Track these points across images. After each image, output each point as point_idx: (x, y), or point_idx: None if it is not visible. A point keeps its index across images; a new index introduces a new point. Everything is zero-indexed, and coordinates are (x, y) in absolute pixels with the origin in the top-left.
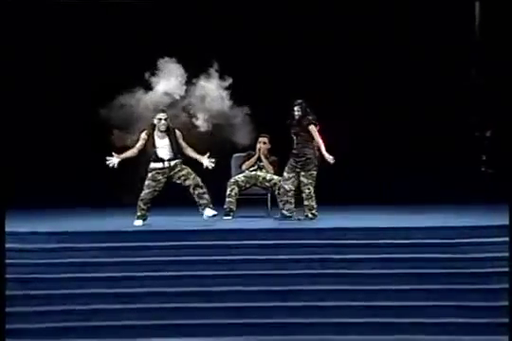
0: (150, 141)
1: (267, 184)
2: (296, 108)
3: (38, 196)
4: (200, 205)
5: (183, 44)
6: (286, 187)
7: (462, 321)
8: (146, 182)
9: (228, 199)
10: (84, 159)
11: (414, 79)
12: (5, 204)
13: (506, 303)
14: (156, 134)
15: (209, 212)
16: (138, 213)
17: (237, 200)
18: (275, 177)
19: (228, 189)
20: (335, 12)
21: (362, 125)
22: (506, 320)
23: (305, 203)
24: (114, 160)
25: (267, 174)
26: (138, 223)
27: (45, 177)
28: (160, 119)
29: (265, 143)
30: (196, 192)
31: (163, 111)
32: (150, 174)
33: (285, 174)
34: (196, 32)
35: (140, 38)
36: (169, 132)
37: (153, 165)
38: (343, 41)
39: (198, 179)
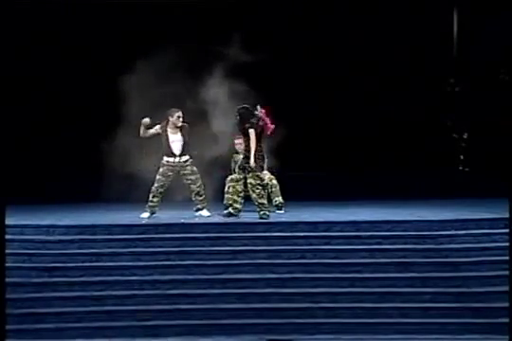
0: (163, 136)
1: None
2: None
3: (60, 193)
4: (197, 210)
5: None
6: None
7: (441, 306)
8: (157, 177)
9: (226, 195)
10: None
11: (402, 90)
12: (5, 204)
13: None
14: (170, 129)
15: (204, 213)
16: (147, 206)
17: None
18: (266, 177)
19: (226, 186)
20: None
21: (361, 126)
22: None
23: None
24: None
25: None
26: (145, 215)
27: (66, 176)
28: (179, 117)
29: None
30: (195, 199)
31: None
32: (161, 170)
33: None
34: None
35: None
36: (181, 127)
37: (166, 159)
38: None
39: (202, 186)
